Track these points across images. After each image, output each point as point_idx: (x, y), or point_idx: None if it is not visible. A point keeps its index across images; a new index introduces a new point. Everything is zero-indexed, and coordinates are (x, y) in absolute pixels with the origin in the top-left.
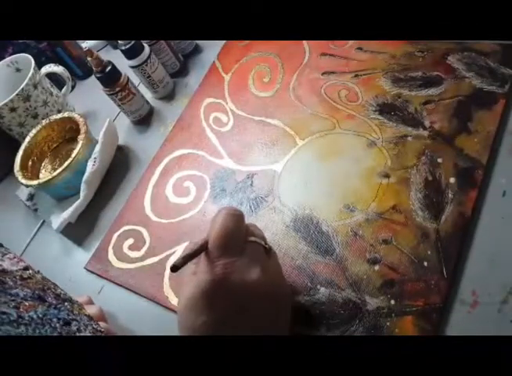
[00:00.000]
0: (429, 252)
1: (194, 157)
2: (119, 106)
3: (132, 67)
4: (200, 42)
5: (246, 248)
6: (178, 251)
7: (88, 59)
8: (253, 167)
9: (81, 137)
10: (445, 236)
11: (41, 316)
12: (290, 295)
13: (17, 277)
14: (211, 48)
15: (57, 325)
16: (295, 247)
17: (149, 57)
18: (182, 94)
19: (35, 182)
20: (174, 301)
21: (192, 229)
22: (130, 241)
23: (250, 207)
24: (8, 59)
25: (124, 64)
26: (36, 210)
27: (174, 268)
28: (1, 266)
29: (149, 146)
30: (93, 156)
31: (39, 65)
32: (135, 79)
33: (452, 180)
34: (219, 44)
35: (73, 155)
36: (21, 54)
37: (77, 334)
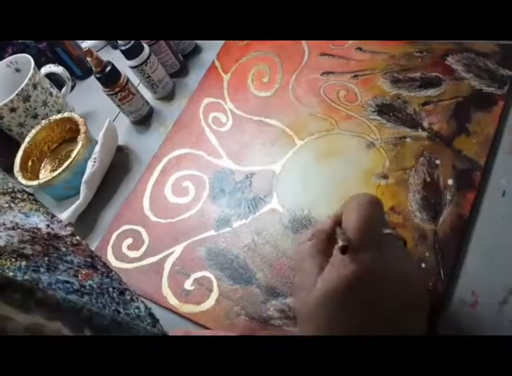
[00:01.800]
0: (427, 254)
1: (193, 157)
2: (119, 106)
3: (132, 67)
4: (199, 42)
5: (384, 241)
6: (177, 251)
7: (88, 59)
8: (252, 167)
9: (80, 137)
10: (442, 238)
11: (98, 285)
12: (425, 291)
13: (68, 243)
14: (211, 48)
15: (114, 295)
16: (293, 248)
17: (148, 57)
18: (182, 94)
19: (35, 183)
20: (172, 300)
21: (190, 229)
22: (129, 241)
23: (249, 207)
24: (7, 59)
25: (123, 64)
26: None
27: (346, 248)
28: (53, 230)
29: (148, 146)
30: (93, 156)
31: (39, 65)
32: (134, 79)
33: (450, 182)
34: (219, 44)
35: (72, 155)
36: (21, 54)
37: (131, 304)
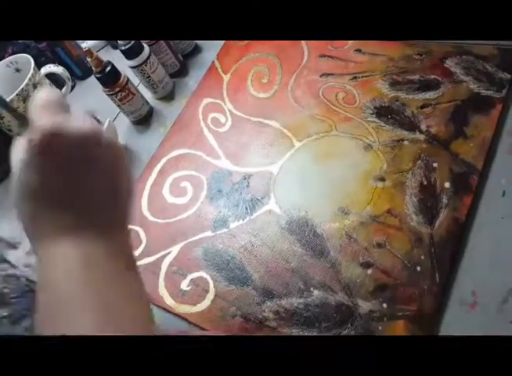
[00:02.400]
0: (422, 257)
1: (191, 158)
2: (119, 106)
3: (132, 67)
4: (199, 42)
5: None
6: (174, 252)
7: (88, 59)
8: (249, 168)
9: None
10: (438, 242)
11: None
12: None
13: None
14: (211, 48)
15: None
16: (290, 250)
17: (148, 57)
18: (182, 94)
19: None
20: (169, 301)
21: (188, 229)
22: None
23: (246, 208)
24: (7, 59)
25: (123, 64)
26: None
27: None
28: None
29: (148, 146)
30: None
31: (39, 65)
32: (134, 79)
33: (447, 185)
34: (219, 44)
35: None
36: (21, 54)
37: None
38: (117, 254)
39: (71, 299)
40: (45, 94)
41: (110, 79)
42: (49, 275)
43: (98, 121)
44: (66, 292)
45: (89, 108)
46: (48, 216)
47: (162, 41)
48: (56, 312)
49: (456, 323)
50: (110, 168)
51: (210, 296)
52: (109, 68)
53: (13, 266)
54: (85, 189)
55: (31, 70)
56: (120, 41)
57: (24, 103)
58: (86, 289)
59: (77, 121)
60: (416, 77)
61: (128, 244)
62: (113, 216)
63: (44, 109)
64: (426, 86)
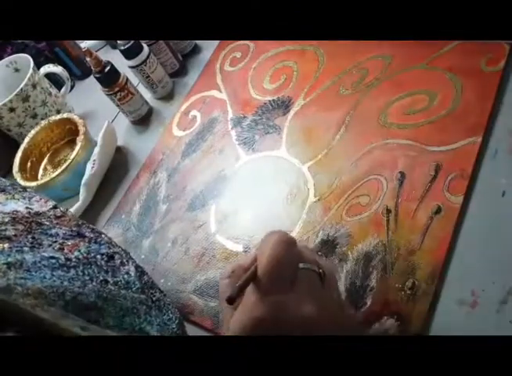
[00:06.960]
0: None
1: None
2: (118, 106)
3: (131, 67)
4: (199, 42)
5: (298, 278)
6: None
7: (87, 59)
8: None
9: (79, 139)
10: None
11: (85, 254)
12: (354, 327)
13: (51, 217)
14: (210, 48)
15: (102, 262)
16: None
17: (148, 57)
18: (182, 94)
19: (34, 184)
20: None
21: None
22: None
23: None
24: (6, 59)
25: (123, 64)
26: None
27: (231, 300)
28: (32, 210)
29: (148, 146)
30: (92, 158)
31: (38, 65)
32: (134, 79)
33: None
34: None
35: (71, 157)
36: (20, 54)
37: (121, 268)
38: None
39: None
40: (277, 253)
41: (110, 79)
42: None
43: None
44: None
45: (89, 108)
46: None
47: (161, 41)
48: None
49: (455, 322)
50: None
51: None
52: (108, 68)
53: None
54: None
55: (30, 70)
56: (119, 41)
57: (23, 102)
58: None
59: (297, 306)
60: None
61: None
62: None
63: (272, 278)
64: None
